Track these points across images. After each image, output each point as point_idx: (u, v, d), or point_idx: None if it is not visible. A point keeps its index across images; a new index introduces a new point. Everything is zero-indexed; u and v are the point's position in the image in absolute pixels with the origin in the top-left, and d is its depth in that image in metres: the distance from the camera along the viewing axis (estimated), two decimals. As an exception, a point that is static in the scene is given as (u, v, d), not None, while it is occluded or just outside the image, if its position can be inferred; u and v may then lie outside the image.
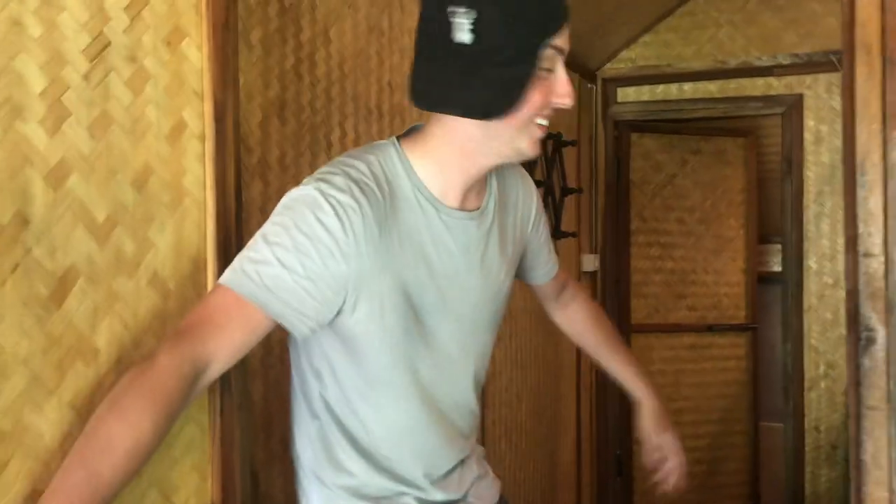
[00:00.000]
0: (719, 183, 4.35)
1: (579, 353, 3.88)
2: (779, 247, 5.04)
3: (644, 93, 4.14)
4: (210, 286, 1.26)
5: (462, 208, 1.22)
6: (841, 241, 3.86)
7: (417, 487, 1.27)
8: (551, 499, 3.54)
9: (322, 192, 1.09)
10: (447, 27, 1.08)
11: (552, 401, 3.52)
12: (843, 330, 3.86)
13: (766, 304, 4.63)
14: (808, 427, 3.90)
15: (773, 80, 3.93)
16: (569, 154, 3.67)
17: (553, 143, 3.43)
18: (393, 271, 1.14)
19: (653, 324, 4.29)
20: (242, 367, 1.33)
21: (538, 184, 3.26)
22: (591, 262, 4.00)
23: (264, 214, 1.58)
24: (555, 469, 3.58)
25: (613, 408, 4.14)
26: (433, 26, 1.11)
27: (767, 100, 3.92)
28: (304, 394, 1.27)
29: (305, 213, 1.08)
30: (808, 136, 3.90)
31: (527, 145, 1.16)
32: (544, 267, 1.54)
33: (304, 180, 1.13)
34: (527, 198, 1.39)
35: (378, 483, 1.26)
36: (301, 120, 1.72)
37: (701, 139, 4.31)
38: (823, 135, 3.88)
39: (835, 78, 3.83)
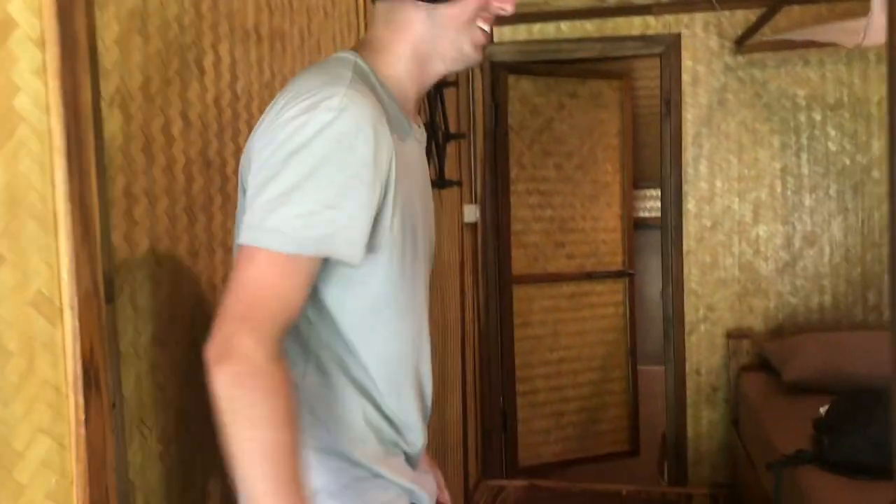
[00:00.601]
0: (596, 127, 4.24)
1: (463, 306, 3.69)
2: (654, 192, 5.07)
3: (521, 32, 3.93)
4: (63, 250, 0.92)
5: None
6: (719, 183, 3.85)
7: (412, 431, 1.23)
8: (441, 460, 3.35)
9: (342, 106, 1.00)
10: None
11: (440, 360, 3.31)
12: (721, 273, 3.87)
13: (641, 249, 4.61)
14: (689, 371, 3.91)
15: (651, 19, 3.83)
16: (449, 97, 3.41)
17: (435, 84, 3.15)
18: (401, 182, 1.10)
19: (533, 274, 4.16)
20: (115, 352, 1.00)
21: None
22: (472, 213, 3.79)
23: (128, 157, 1.24)
24: (444, 429, 3.39)
25: (496, 362, 3.99)
26: None
27: (646, 39, 3.81)
28: (293, 346, 1.13)
29: (341, 135, 1.00)
30: (685, 77, 3.83)
31: (470, 48, 1.15)
32: None
33: (302, 100, 1.02)
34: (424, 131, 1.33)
35: (377, 429, 1.17)
36: (168, 39, 1.36)
37: (578, 82, 4.17)
38: (701, 75, 3.82)
39: (711, 17, 3.77)
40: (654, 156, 5.04)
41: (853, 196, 3.76)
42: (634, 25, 3.84)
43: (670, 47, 3.80)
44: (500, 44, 3.92)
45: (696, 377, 3.91)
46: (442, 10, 1.13)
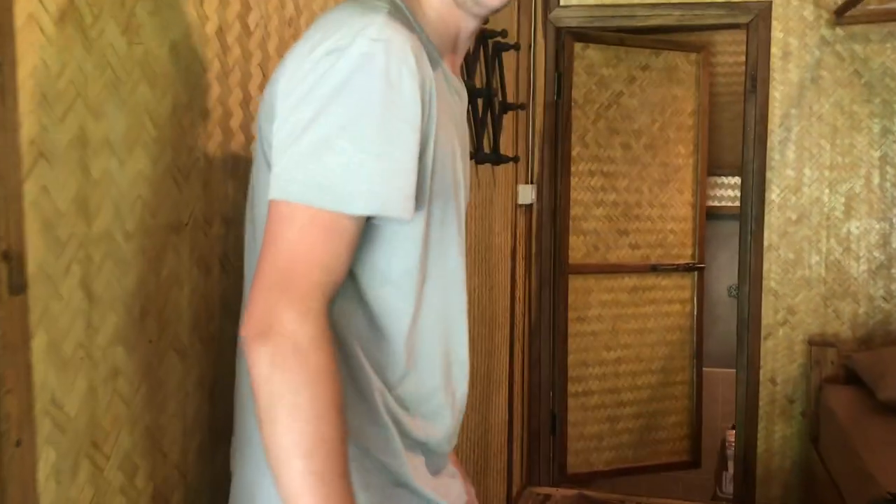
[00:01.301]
0: (669, 104, 3.83)
1: (514, 297, 3.34)
2: (729, 179, 4.63)
3: (590, -5, 3.55)
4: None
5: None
6: (808, 171, 3.42)
7: (436, 422, 1.06)
8: (483, 465, 3.02)
9: (386, 40, 0.87)
10: None
11: (486, 356, 2.97)
12: (805, 272, 3.45)
13: (710, 240, 4.20)
14: (762, 379, 3.50)
15: (738, -16, 3.40)
16: (508, 63, 3.05)
17: (493, 46, 2.80)
18: (442, 130, 0.97)
19: (592, 264, 3.79)
20: (24, 364, 0.68)
21: (478, 93, 2.65)
22: (527, 194, 3.43)
23: (79, 92, 0.91)
24: (487, 432, 3.05)
25: (547, 359, 3.63)
26: None
27: (731, 7, 3.39)
28: None
29: (386, 73, 0.86)
30: (774, 51, 3.40)
31: None
32: None
33: (336, 32, 0.88)
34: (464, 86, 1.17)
35: (396, 420, 1.00)
36: (149, -58, 1.03)
37: (651, 53, 3.77)
38: (792, 49, 3.39)
39: (808, -18, 3.33)
40: (731, 140, 4.62)
41: (964, 191, 3.31)
42: (719, -10, 3.42)
43: (759, 16, 3.37)
44: (566, 6, 3.53)
45: (771, 386, 3.50)
46: None
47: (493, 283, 3.01)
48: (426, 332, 1.03)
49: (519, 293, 3.43)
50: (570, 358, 3.75)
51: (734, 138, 4.59)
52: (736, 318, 3.53)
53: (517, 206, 3.36)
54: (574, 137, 3.66)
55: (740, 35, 4.56)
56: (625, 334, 3.89)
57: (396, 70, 0.87)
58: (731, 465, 3.99)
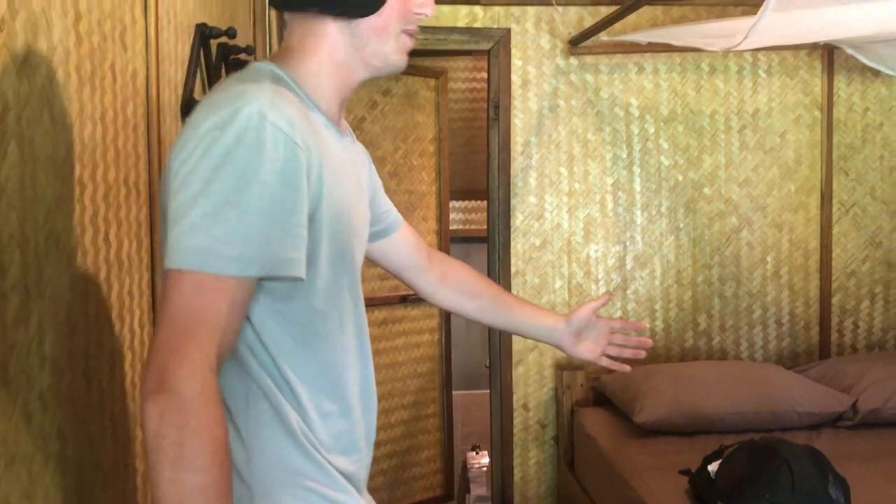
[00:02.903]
0: (411, 130, 3.72)
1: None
2: (475, 203, 4.64)
3: (329, 13, 3.31)
4: None
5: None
6: (549, 197, 3.48)
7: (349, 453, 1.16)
8: None
9: (260, 115, 0.95)
10: None
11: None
12: (551, 296, 3.50)
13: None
14: (516, 405, 3.49)
15: (478, 10, 3.37)
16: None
17: (234, 63, 2.45)
18: (331, 188, 1.06)
19: (340, 299, 3.55)
20: None
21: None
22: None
23: None
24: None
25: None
26: None
27: (472, 32, 3.35)
28: (235, 375, 1.06)
29: (260, 147, 0.95)
30: (514, 79, 3.42)
31: (396, 56, 1.15)
32: (390, 214, 1.47)
33: (220, 109, 0.96)
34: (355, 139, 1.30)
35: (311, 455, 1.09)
36: None
37: (391, 78, 3.61)
38: (531, 77, 3.43)
39: (544, 12, 3.38)
40: (464, 166, 4.64)
41: (685, 214, 3.55)
42: (460, 16, 3.36)
43: (500, 43, 3.36)
44: (305, 25, 3.27)
45: (525, 413, 3.51)
46: (360, 22, 1.11)
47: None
48: (330, 371, 1.11)
49: (266, 338, 3.09)
50: (322, 402, 3.47)
51: (466, 164, 4.62)
52: (474, 340, 3.49)
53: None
54: (317, 164, 3.41)
55: (472, 62, 4.61)
56: (377, 370, 3.68)
57: (273, 141, 0.95)
58: (472, 486, 3.96)
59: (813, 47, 3.44)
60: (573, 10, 3.39)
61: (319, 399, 1.10)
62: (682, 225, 3.55)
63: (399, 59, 1.14)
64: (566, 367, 3.44)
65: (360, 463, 1.18)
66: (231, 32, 2.16)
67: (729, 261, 3.56)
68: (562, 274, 3.52)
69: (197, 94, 2.02)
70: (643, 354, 1.59)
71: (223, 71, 2.32)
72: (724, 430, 2.83)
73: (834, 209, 3.57)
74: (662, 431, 2.88)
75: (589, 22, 3.29)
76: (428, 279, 1.52)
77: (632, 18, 3.12)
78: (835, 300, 3.60)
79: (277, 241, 0.96)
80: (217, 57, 2.22)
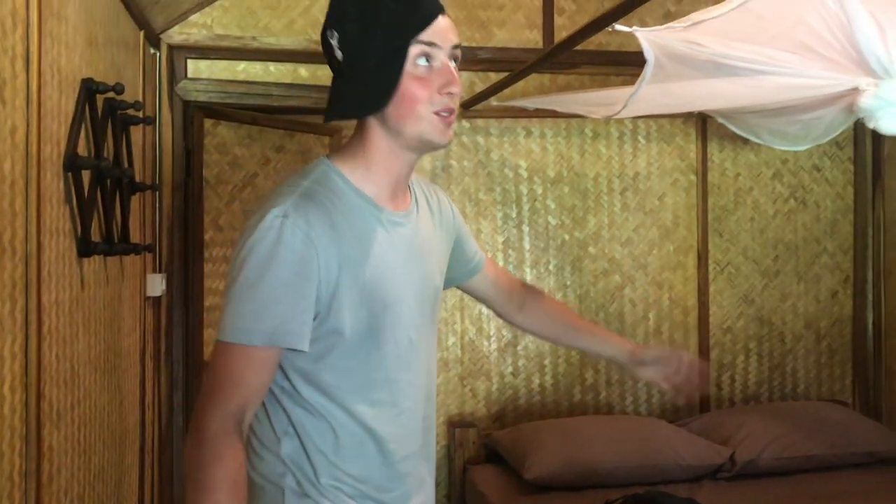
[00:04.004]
0: (304, 187, 3.70)
1: (144, 405, 2.87)
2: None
3: (221, 69, 3.30)
4: None
5: (394, 209, 1.35)
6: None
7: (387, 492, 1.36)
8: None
9: (283, 217, 1.20)
10: (329, 49, 1.29)
11: (115, 486, 2.47)
12: (444, 353, 3.51)
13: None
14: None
15: (372, 71, 3.42)
16: (135, 137, 2.66)
17: (121, 118, 2.40)
18: (353, 269, 1.26)
19: (229, 358, 3.45)
20: None
21: (85, 167, 2.21)
22: (157, 285, 3.01)
23: None
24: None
25: (180, 474, 3.19)
26: (326, 52, 1.31)
27: (366, 93, 3.39)
28: (271, 417, 1.32)
29: (278, 243, 1.19)
30: (407, 138, 3.47)
31: (434, 135, 1.28)
32: (477, 254, 1.68)
33: (259, 211, 1.24)
34: (443, 199, 1.58)
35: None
36: None
37: (286, 134, 3.61)
38: (424, 138, 3.49)
39: (436, 76, 3.47)
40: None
41: (572, 272, 3.66)
42: (354, 76, 3.40)
43: (393, 104, 3.42)
44: (196, 79, 3.24)
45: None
46: (387, 114, 1.27)
47: (122, 395, 2.55)
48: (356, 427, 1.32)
49: (149, 400, 2.97)
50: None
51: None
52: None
53: (146, 299, 2.92)
54: (207, 220, 3.34)
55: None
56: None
57: (291, 235, 1.19)
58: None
59: (688, 116, 3.66)
60: (465, 76, 3.49)
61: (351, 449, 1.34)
62: (569, 282, 3.66)
63: (438, 138, 1.28)
64: (458, 423, 3.45)
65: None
66: (118, 88, 2.12)
67: (614, 317, 3.68)
68: (455, 331, 3.55)
69: (81, 149, 1.96)
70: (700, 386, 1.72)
71: (109, 126, 2.27)
72: (612, 485, 2.89)
73: (710, 268, 3.76)
74: (552, 487, 2.91)
75: (480, 87, 3.39)
76: (509, 309, 1.74)
77: (520, 85, 3.24)
78: (713, 355, 3.77)
79: (284, 319, 1.20)
80: (103, 112, 2.18)
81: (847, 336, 3.90)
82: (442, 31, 1.25)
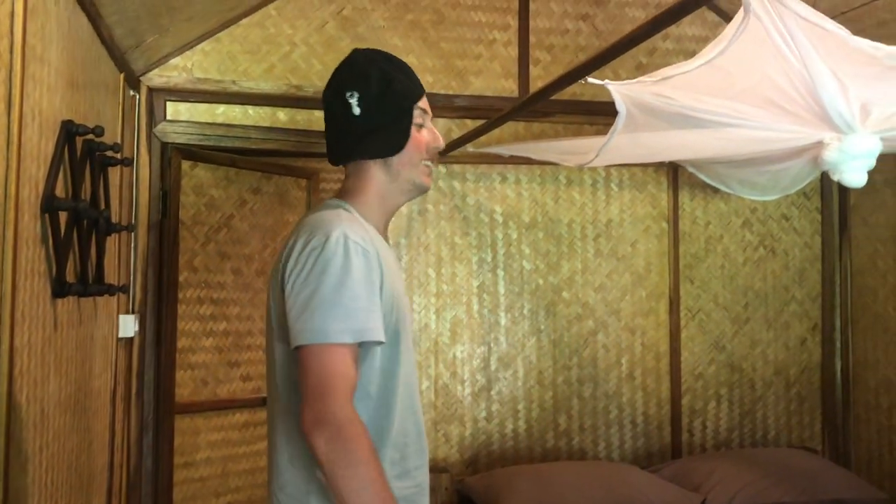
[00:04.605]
0: (280, 229, 3.71)
1: (112, 448, 2.83)
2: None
3: (201, 112, 3.32)
4: None
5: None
6: (418, 298, 3.53)
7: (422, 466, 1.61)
8: None
9: (344, 236, 1.44)
10: (346, 107, 1.57)
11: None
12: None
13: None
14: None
15: (350, 116, 3.46)
16: (112, 178, 2.66)
17: (99, 159, 2.41)
18: (389, 280, 1.50)
19: (201, 402, 3.42)
20: None
21: (62, 208, 2.21)
22: (129, 326, 2.99)
23: None
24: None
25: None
26: (336, 107, 1.59)
27: (344, 137, 3.42)
28: None
29: (347, 257, 1.42)
30: (384, 183, 3.51)
31: (423, 179, 1.60)
32: None
33: (317, 236, 1.45)
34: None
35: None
36: None
37: (262, 176, 3.63)
38: (400, 182, 3.53)
39: (414, 122, 3.52)
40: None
41: (546, 316, 3.69)
42: (332, 120, 3.44)
43: (370, 148, 3.46)
44: (175, 121, 3.26)
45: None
46: (392, 160, 1.56)
47: (91, 437, 2.51)
48: (405, 414, 1.53)
49: (118, 442, 2.93)
50: (176, 510, 3.29)
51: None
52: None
53: (118, 339, 2.90)
54: (182, 261, 3.33)
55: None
56: (235, 476, 3.55)
57: (355, 252, 1.42)
58: None
59: (659, 165, 3.74)
60: (441, 122, 3.55)
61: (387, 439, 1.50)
62: (542, 327, 3.68)
63: (427, 182, 1.59)
64: (431, 469, 3.43)
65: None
66: (98, 130, 2.13)
67: (587, 362, 3.70)
68: (428, 375, 3.55)
69: (59, 190, 1.97)
70: None
71: (88, 168, 2.28)
72: (584, 531, 2.89)
73: (682, 314, 3.81)
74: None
75: (456, 133, 3.45)
76: None
77: (496, 132, 3.30)
78: (685, 401, 3.79)
79: (364, 318, 1.39)
80: (82, 153, 2.19)
81: (816, 383, 3.95)
82: (427, 103, 1.62)
